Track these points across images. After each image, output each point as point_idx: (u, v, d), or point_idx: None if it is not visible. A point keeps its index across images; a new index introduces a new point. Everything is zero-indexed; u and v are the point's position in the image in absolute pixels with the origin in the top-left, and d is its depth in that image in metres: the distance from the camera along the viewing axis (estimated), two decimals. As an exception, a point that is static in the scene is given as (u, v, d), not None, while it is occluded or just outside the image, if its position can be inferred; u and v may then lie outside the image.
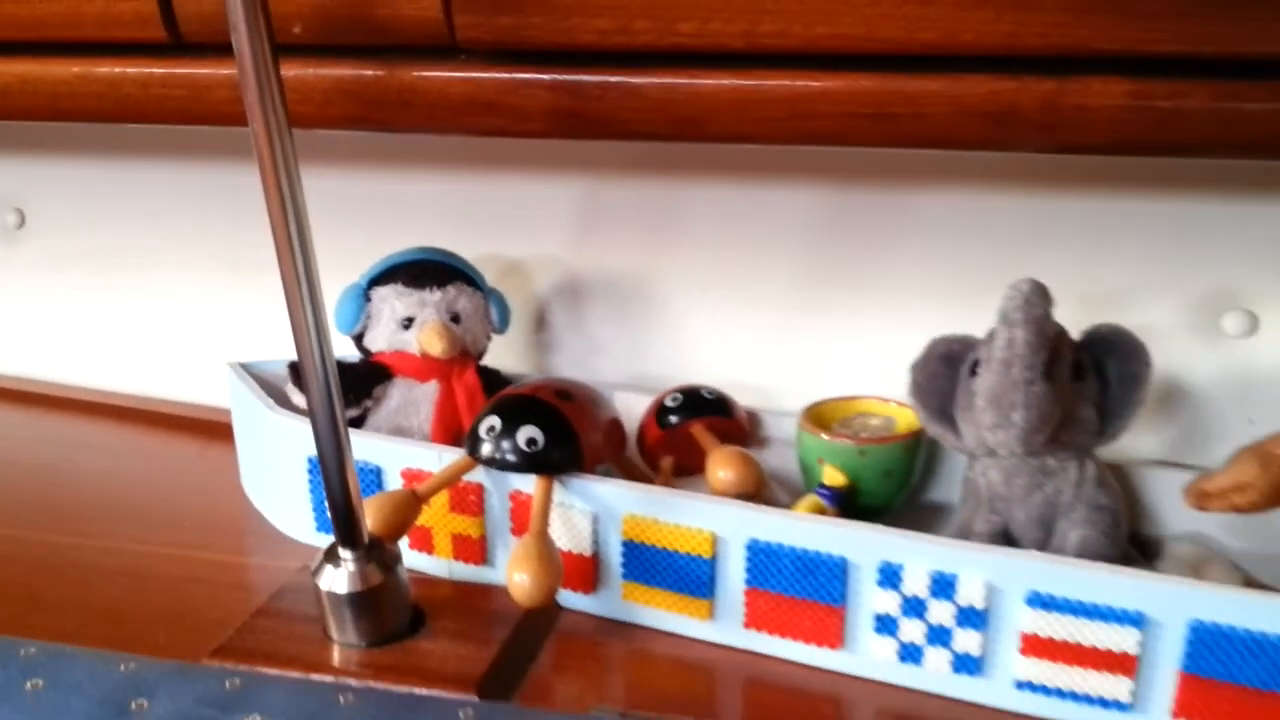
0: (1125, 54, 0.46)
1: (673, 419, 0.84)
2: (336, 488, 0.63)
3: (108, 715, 0.54)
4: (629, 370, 0.97)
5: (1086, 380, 0.66)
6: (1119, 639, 0.58)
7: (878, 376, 0.83)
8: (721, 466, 0.75)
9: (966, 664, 0.63)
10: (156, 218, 1.05)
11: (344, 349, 0.77)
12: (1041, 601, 0.59)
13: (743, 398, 0.87)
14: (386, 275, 0.84)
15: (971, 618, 0.61)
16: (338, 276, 0.70)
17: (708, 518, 0.68)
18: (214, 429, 1.02)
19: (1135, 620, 0.57)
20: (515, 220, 0.93)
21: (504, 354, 0.95)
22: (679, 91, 0.54)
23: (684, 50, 0.52)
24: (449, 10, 0.53)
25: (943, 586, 0.61)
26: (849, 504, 0.76)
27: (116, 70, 0.62)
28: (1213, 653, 0.56)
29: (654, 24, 0.51)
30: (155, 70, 0.61)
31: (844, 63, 0.50)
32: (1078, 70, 0.48)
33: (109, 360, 1.12)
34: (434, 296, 0.83)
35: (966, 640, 0.62)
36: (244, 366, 0.88)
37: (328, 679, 0.62)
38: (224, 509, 0.89)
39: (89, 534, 0.84)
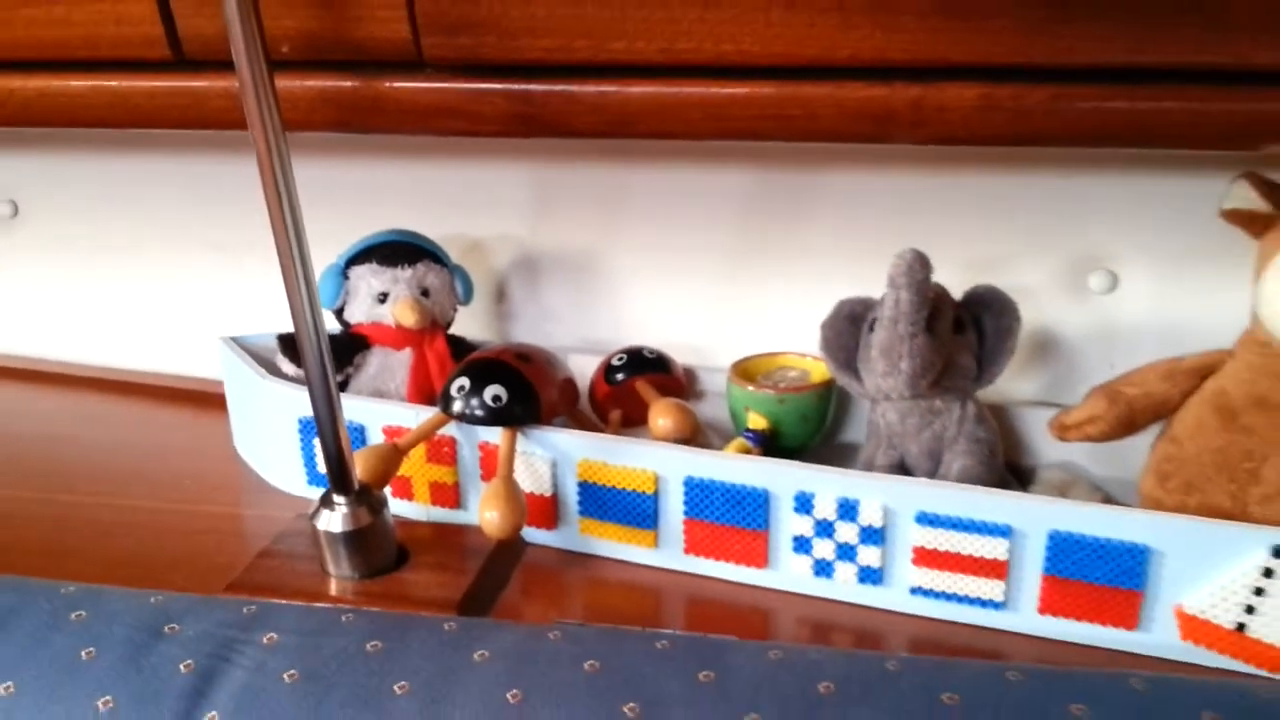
0: (975, 64, 0.53)
1: (619, 376, 0.88)
2: (330, 442, 0.69)
3: (145, 638, 0.60)
4: (579, 334, 1.00)
5: (966, 333, 0.72)
6: (992, 548, 0.66)
7: (795, 334, 0.87)
8: (661, 416, 0.80)
9: (869, 575, 0.70)
10: (143, 206, 1.07)
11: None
12: (928, 520, 0.67)
13: (680, 356, 0.91)
14: (362, 255, 0.88)
15: (872, 536, 0.69)
16: (318, 257, 0.75)
17: (650, 460, 0.74)
18: (203, 398, 1.06)
19: (1004, 532, 0.65)
20: (476, 203, 0.96)
21: (469, 323, 0.99)
22: (612, 98, 0.60)
23: (615, 64, 0.58)
24: (416, 32, 0.59)
25: (848, 511, 0.69)
26: (771, 445, 0.81)
27: (126, 84, 0.66)
28: (1068, 557, 0.64)
29: (590, 42, 0.57)
30: (160, 83, 0.66)
31: (747, 73, 0.57)
32: (937, 78, 0.55)
33: (101, 338, 1.15)
34: (405, 274, 0.86)
35: (868, 555, 0.69)
36: (234, 340, 0.92)
37: (329, 606, 0.70)
38: (221, 468, 0.93)
39: (103, 494, 0.89)
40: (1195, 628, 0.63)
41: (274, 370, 0.88)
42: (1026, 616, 0.67)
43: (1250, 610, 0.61)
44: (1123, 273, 0.82)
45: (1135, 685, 0.55)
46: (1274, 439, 0.63)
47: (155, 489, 0.90)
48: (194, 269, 1.08)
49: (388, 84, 0.62)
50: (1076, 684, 0.55)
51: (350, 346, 0.86)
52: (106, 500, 0.88)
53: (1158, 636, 0.64)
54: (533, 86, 0.61)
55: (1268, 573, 0.60)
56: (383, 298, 0.86)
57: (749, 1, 0.54)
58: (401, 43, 0.60)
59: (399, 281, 0.86)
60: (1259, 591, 0.60)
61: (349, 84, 0.63)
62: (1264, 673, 0.62)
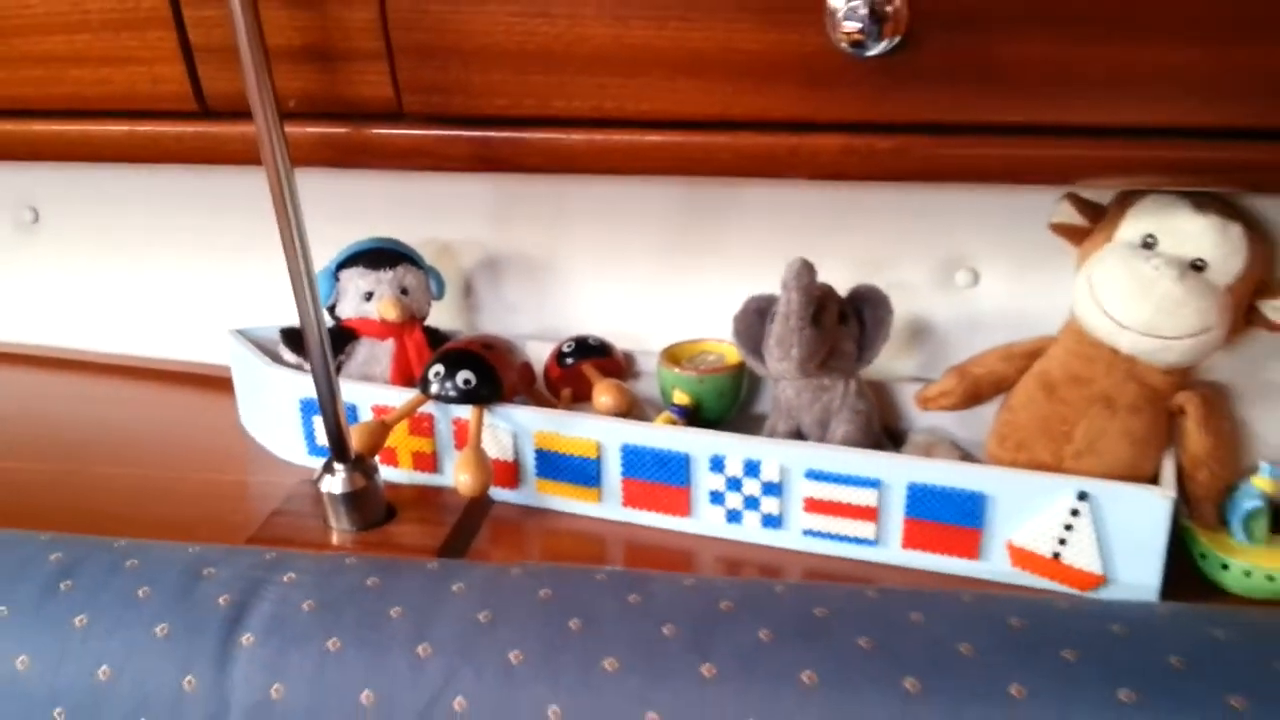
0: (837, 121, 0.64)
1: (568, 360, 0.96)
2: (331, 419, 0.81)
3: (189, 580, 0.71)
4: (535, 324, 1.05)
5: (849, 324, 0.84)
6: (865, 497, 0.79)
7: (714, 324, 0.94)
8: (603, 394, 0.90)
9: (770, 521, 0.82)
10: (152, 211, 1.12)
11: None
12: (816, 475, 0.79)
13: (619, 343, 1.00)
14: (350, 260, 0.96)
15: (772, 489, 0.81)
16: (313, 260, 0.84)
17: (594, 431, 0.85)
18: (210, 382, 1.13)
19: (874, 484, 0.78)
20: (446, 213, 1.03)
21: (442, 316, 1.04)
22: (554, 143, 0.70)
23: (557, 117, 0.68)
24: (398, 91, 0.70)
25: (752, 469, 0.81)
26: (694, 417, 0.91)
27: (158, 129, 0.76)
28: (924, 503, 0.78)
29: (536, 101, 0.68)
30: (187, 129, 0.75)
31: (661, 126, 0.67)
32: (809, 131, 0.65)
33: (116, 330, 1.21)
34: (387, 275, 0.95)
35: (769, 505, 0.82)
36: (240, 332, 1.01)
37: (333, 553, 0.81)
38: (231, 442, 1.03)
39: (130, 466, 0.98)
40: (1022, 557, 0.77)
41: (275, 358, 0.98)
42: (893, 551, 0.80)
43: (1063, 542, 0.75)
44: (983, 271, 0.90)
45: (964, 599, 0.69)
46: (1082, 408, 0.77)
47: (172, 461, 0.99)
48: (198, 269, 1.14)
49: (373, 131, 0.72)
50: (919, 598, 0.68)
51: (342, 338, 0.95)
52: (134, 471, 0.97)
53: (994, 565, 0.78)
54: (490, 134, 0.71)
55: (1075, 512, 0.74)
56: (368, 296, 0.95)
57: (660, 72, 0.65)
58: (386, 100, 0.70)
59: (382, 282, 0.95)
60: (1069, 527, 0.74)
61: (342, 131, 0.73)
62: (1073, 590, 0.76)
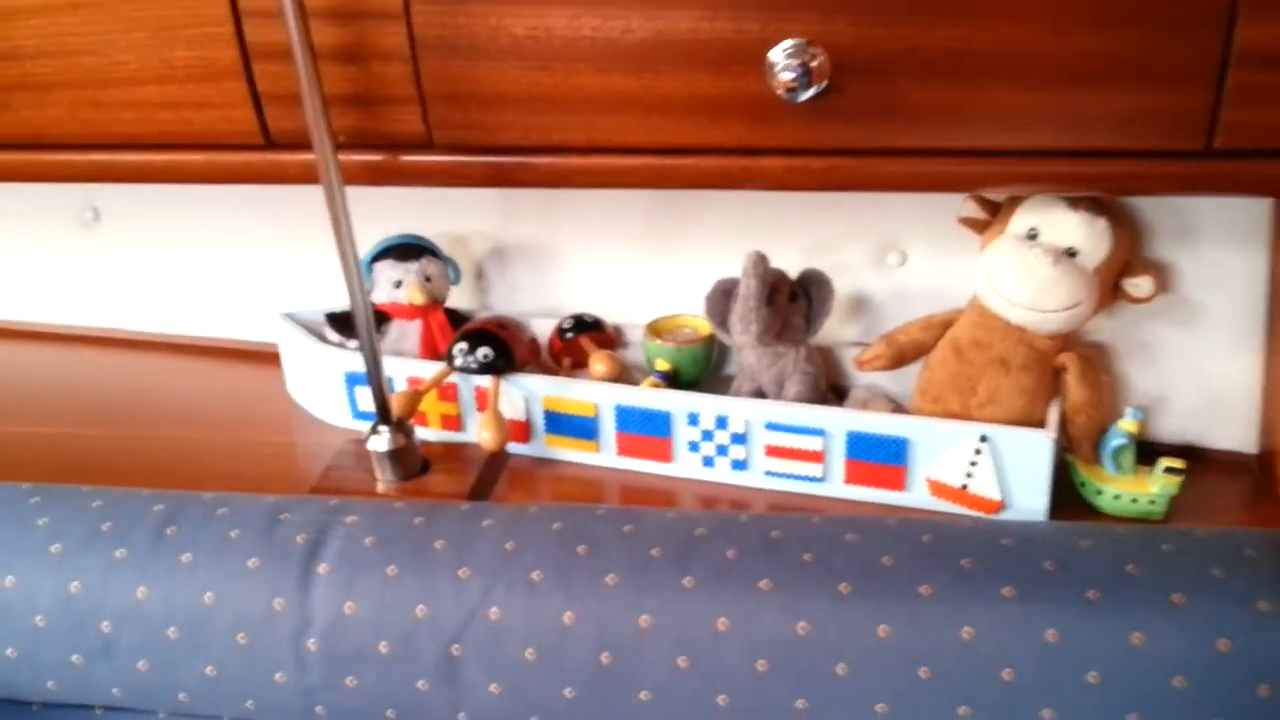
0: (778, 147, 0.77)
1: (568, 334, 1.06)
2: (376, 388, 0.93)
3: (269, 524, 0.84)
4: (538, 303, 1.14)
5: (798, 302, 0.96)
6: (814, 444, 0.92)
7: (689, 301, 1.04)
8: (598, 363, 1.01)
9: (738, 464, 0.95)
10: (200, 214, 1.21)
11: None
12: (774, 427, 0.92)
13: (610, 319, 1.09)
14: (381, 254, 1.06)
15: (738, 439, 0.94)
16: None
17: (592, 394, 0.97)
18: (258, 357, 1.24)
19: (820, 433, 0.91)
20: (459, 209, 1.12)
21: (460, 298, 1.13)
22: (555, 165, 0.81)
23: (556, 146, 0.80)
24: (428, 127, 0.82)
25: (722, 422, 0.94)
26: (674, 381, 1.02)
27: (231, 158, 0.87)
28: (861, 447, 0.91)
29: (540, 135, 0.80)
30: (255, 158, 0.87)
31: (638, 152, 0.79)
32: (755, 155, 0.77)
33: (171, 313, 1.29)
34: (413, 266, 1.05)
35: (737, 451, 0.95)
36: (289, 315, 1.13)
37: (383, 500, 0.94)
38: (282, 409, 1.14)
39: (195, 430, 1.10)
40: (938, 488, 0.91)
41: (320, 338, 1.10)
42: (837, 486, 0.94)
43: (970, 475, 0.89)
44: (910, 252, 1.01)
45: (888, 522, 0.82)
46: (984, 367, 0.90)
47: (234, 425, 1.11)
48: (241, 261, 1.23)
49: (408, 158, 0.85)
50: (852, 523, 0.81)
51: (377, 321, 1.03)
52: (202, 434, 1.10)
53: (917, 496, 0.92)
54: (503, 159, 0.83)
55: (978, 451, 0.89)
56: (398, 284, 1.05)
57: (637, 112, 0.77)
58: (418, 134, 0.83)
59: (409, 272, 1.05)
60: (974, 464, 0.89)
61: (383, 158, 0.85)
62: (980, 514, 0.90)
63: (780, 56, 0.73)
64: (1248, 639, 0.72)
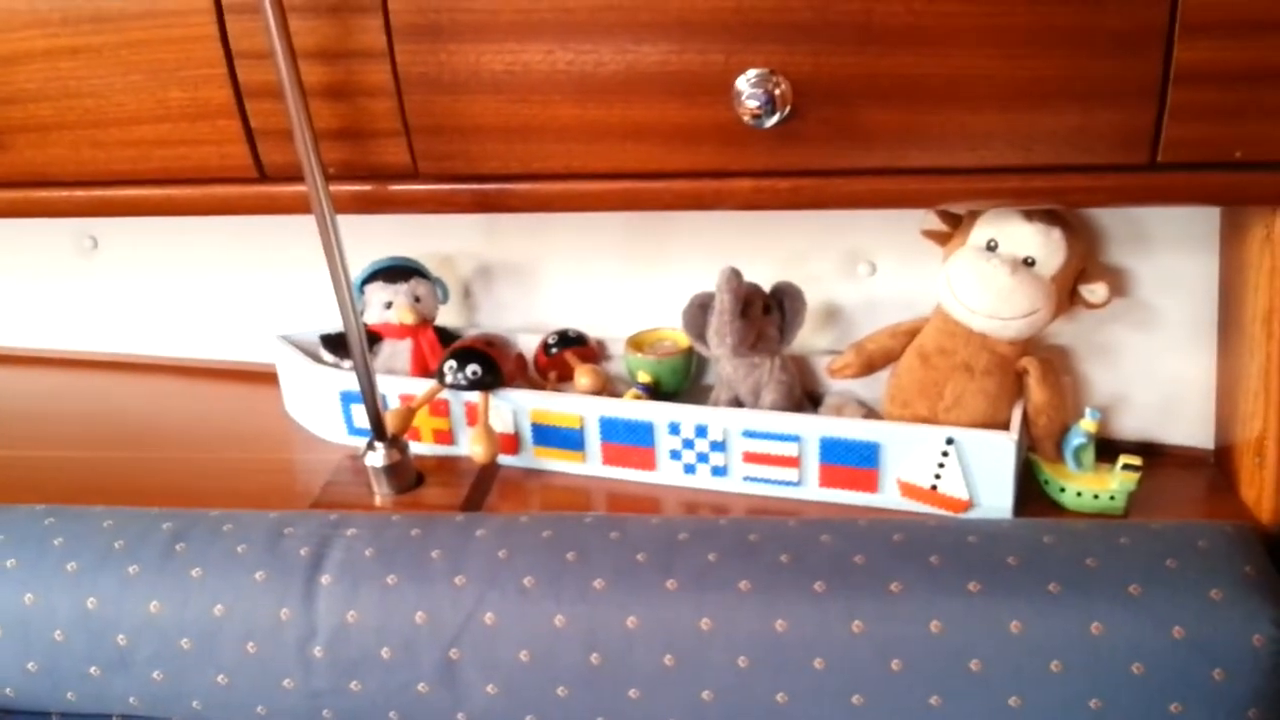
0: (746, 170, 0.79)
1: (553, 350, 1.08)
2: (371, 406, 0.95)
3: (274, 537, 0.86)
4: (524, 320, 1.15)
5: (772, 314, 0.98)
6: (789, 449, 0.94)
7: (668, 316, 1.04)
8: (583, 376, 1.03)
9: (718, 471, 0.98)
10: (195, 241, 1.21)
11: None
12: (751, 434, 0.95)
13: (593, 333, 1.11)
14: (372, 276, 1.08)
15: (717, 446, 0.96)
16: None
17: (577, 406, 0.99)
18: (255, 377, 1.24)
19: (795, 439, 0.94)
20: (446, 230, 1.12)
21: (448, 316, 1.14)
22: (536, 191, 0.84)
23: (537, 174, 0.83)
24: (414, 158, 0.84)
25: (701, 431, 0.96)
26: (655, 392, 1.04)
27: (226, 191, 0.89)
28: (834, 452, 0.93)
29: (520, 163, 0.82)
30: (249, 190, 0.89)
31: (614, 177, 0.82)
32: (725, 177, 0.80)
33: (171, 336, 1.29)
34: (403, 287, 1.07)
35: (716, 458, 0.97)
36: (285, 337, 1.15)
37: (381, 513, 0.96)
38: (281, 428, 1.15)
39: (196, 450, 1.12)
40: (909, 489, 0.94)
41: (315, 358, 1.11)
42: (812, 490, 0.96)
43: (938, 476, 0.92)
44: (879, 263, 1.02)
45: (860, 523, 0.86)
46: (949, 373, 0.93)
47: (236, 444, 1.12)
48: (234, 286, 1.24)
49: (395, 187, 0.87)
50: (826, 524, 0.85)
51: (369, 341, 1.05)
52: (202, 454, 1.11)
53: (888, 497, 0.95)
54: (486, 187, 0.85)
55: (945, 453, 0.92)
56: (388, 305, 1.07)
57: (612, 139, 0.80)
58: (405, 165, 0.85)
59: (399, 293, 1.07)
60: (942, 465, 0.92)
61: (370, 188, 0.88)
62: (949, 513, 0.93)
63: (745, 85, 0.76)
64: (1201, 626, 0.76)
